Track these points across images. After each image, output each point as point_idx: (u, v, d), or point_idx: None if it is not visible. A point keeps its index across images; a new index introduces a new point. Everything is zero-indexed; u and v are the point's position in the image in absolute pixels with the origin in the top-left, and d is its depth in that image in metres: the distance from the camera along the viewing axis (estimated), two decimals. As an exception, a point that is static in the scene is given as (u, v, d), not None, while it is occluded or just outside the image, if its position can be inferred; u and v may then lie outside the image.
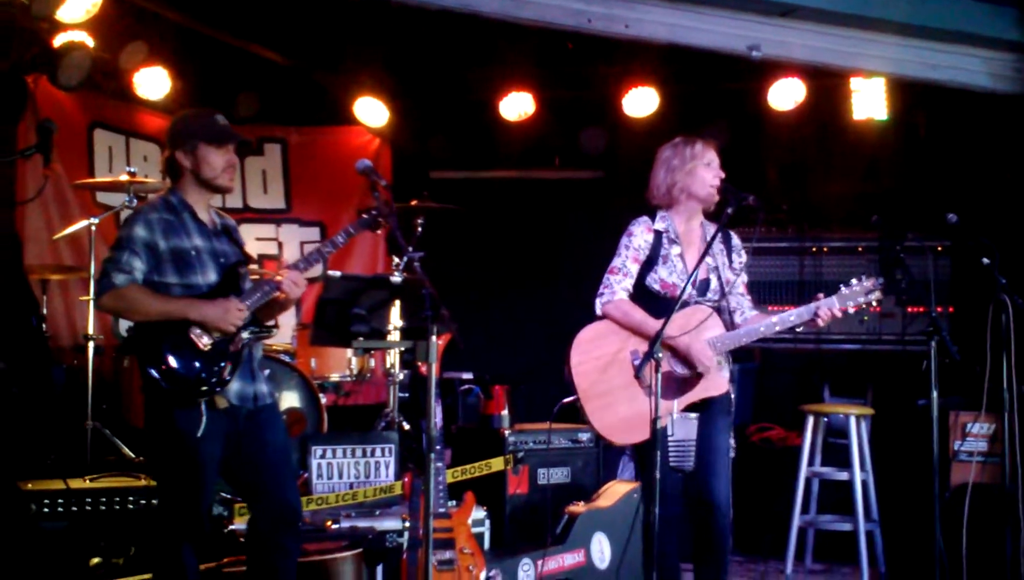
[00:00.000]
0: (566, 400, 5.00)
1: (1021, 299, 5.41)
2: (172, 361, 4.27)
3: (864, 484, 6.73)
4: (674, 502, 4.77)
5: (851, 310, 4.78)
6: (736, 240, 5.05)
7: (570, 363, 4.82)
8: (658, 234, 4.92)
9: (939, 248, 7.23)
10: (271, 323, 4.67)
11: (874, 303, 4.79)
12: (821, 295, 4.77)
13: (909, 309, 7.26)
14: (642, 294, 4.89)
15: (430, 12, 5.72)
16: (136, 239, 4.34)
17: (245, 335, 4.43)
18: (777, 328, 4.77)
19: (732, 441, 4.92)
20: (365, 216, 4.64)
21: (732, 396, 4.93)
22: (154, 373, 4.26)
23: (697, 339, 4.71)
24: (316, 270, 4.71)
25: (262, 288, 4.50)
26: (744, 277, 5.02)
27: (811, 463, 6.90)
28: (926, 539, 4.97)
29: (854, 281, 4.78)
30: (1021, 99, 6.54)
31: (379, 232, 4.79)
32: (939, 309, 7.08)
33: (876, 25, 6.26)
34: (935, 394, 4.91)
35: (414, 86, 9.08)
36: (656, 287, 4.86)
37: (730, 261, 4.99)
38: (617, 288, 4.87)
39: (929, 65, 6.47)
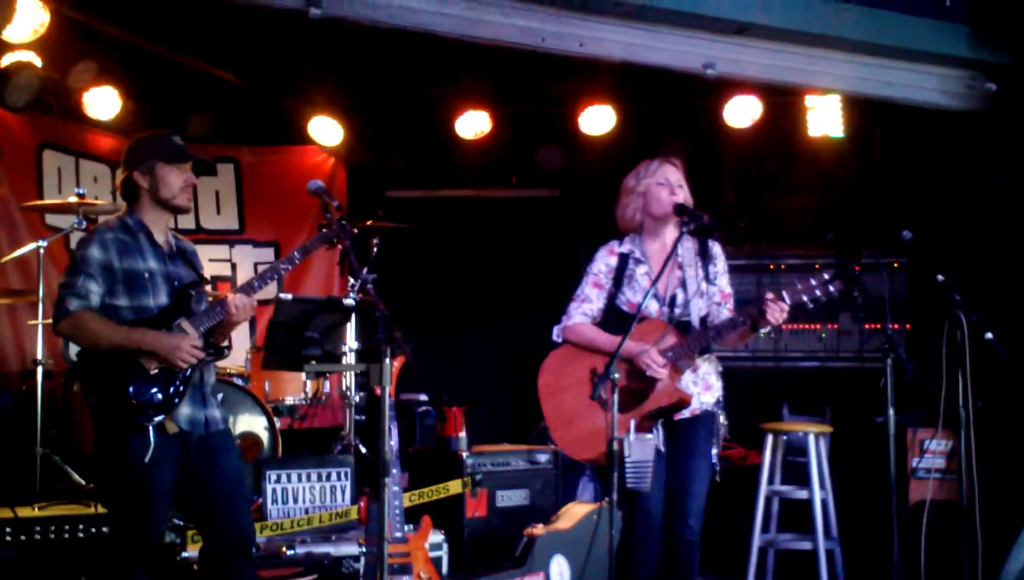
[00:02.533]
0: (544, 423, 5.05)
1: (976, 316, 5.43)
2: (120, 386, 4.21)
3: (824, 502, 6.72)
4: (653, 523, 4.75)
5: (807, 302, 4.66)
6: (716, 248, 4.98)
7: (538, 386, 4.91)
8: (623, 257, 4.95)
9: (895, 265, 7.27)
10: (224, 344, 4.60)
11: (822, 298, 4.69)
12: (770, 294, 4.67)
13: (866, 326, 7.30)
14: (613, 315, 4.92)
15: (384, 31, 5.69)
16: (91, 261, 4.29)
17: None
18: (724, 332, 4.72)
19: (716, 462, 4.91)
20: (324, 230, 4.60)
21: (720, 416, 4.91)
22: (101, 399, 4.20)
23: (638, 344, 4.68)
24: (270, 291, 4.65)
25: (212, 310, 4.44)
26: (724, 286, 4.96)
27: (771, 482, 6.89)
28: (885, 556, 4.96)
29: (807, 276, 4.70)
30: (973, 116, 6.59)
31: (337, 249, 4.73)
32: (895, 326, 7.12)
33: (830, 43, 6.29)
34: (891, 411, 4.90)
35: (369, 105, 9.03)
36: (624, 308, 4.90)
37: (706, 271, 4.93)
38: (574, 314, 4.95)
39: (883, 82, 6.51)
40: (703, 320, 4.88)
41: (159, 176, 4.42)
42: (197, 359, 4.34)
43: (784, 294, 4.66)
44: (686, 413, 4.83)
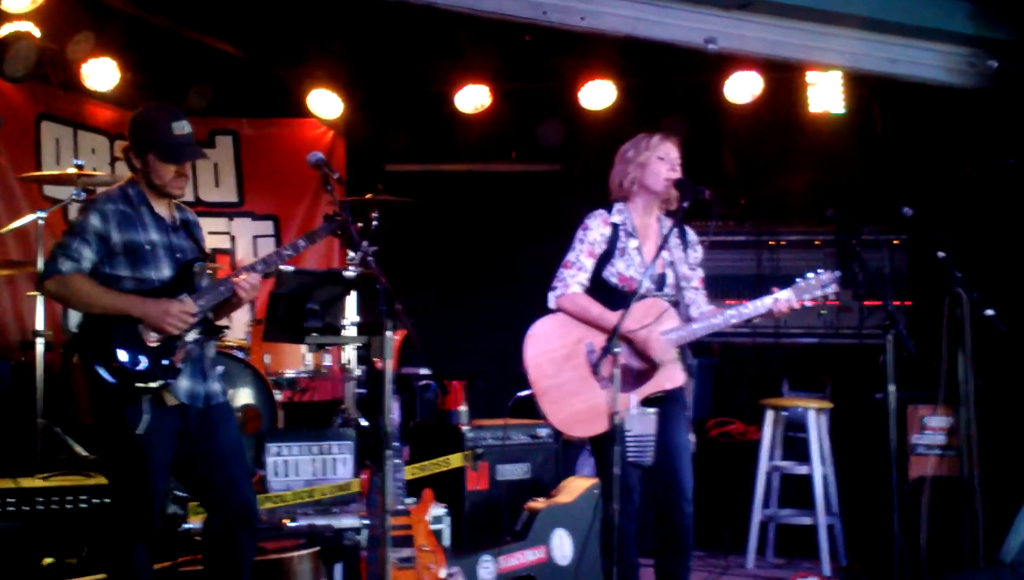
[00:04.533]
0: (521, 394, 4.98)
1: (976, 293, 5.43)
2: (120, 357, 4.21)
3: (824, 478, 6.77)
4: (634, 498, 4.75)
5: (808, 303, 4.78)
6: (692, 235, 5.03)
7: (525, 356, 4.81)
8: (615, 227, 4.90)
9: (895, 242, 7.28)
10: (222, 323, 4.60)
11: (831, 296, 4.80)
12: (776, 288, 4.75)
13: (866, 303, 7.30)
14: (599, 287, 4.86)
15: (385, 3, 5.66)
16: (89, 228, 4.27)
17: (192, 335, 4.36)
18: (733, 321, 4.77)
19: (692, 436, 4.91)
20: (329, 221, 4.61)
21: (689, 391, 4.92)
22: (100, 370, 4.20)
23: (654, 332, 4.68)
24: (273, 268, 4.65)
25: (217, 288, 4.43)
26: (700, 272, 5.01)
27: (771, 457, 6.93)
28: (886, 532, 4.98)
29: (810, 274, 4.78)
30: (976, 93, 6.58)
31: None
32: (896, 302, 7.13)
33: (833, 19, 6.27)
34: (892, 387, 4.91)
35: (369, 78, 9.00)
36: (614, 281, 4.83)
37: (686, 255, 4.96)
38: (571, 281, 4.85)
39: (886, 59, 6.49)
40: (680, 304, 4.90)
41: (152, 166, 4.40)
42: (188, 325, 4.31)
43: (792, 292, 4.71)
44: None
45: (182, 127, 4.44)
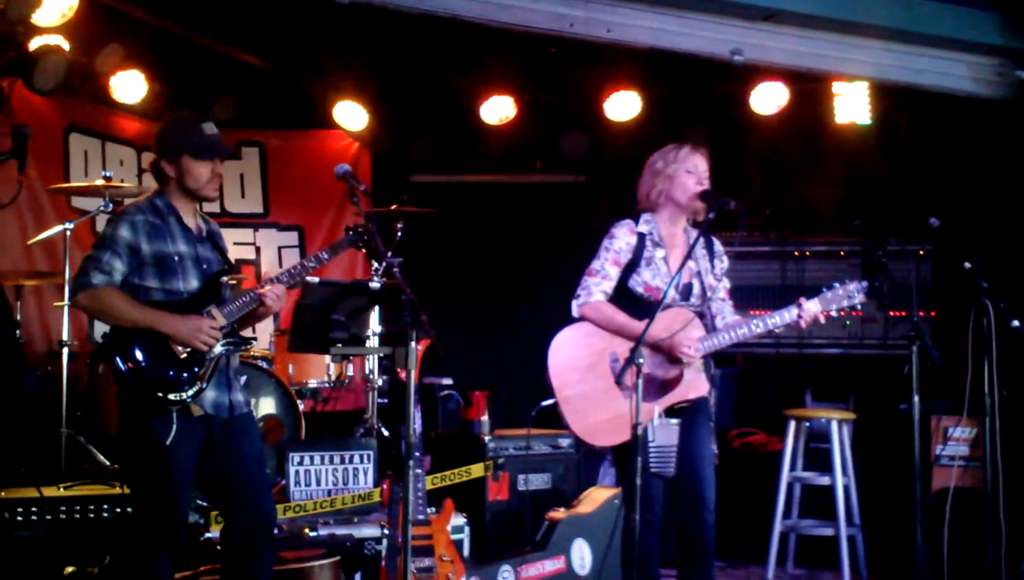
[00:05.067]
0: (544, 403, 4.98)
1: (1003, 303, 5.40)
2: (148, 366, 4.24)
3: (846, 489, 6.74)
4: (656, 508, 4.75)
5: (834, 314, 4.79)
6: (718, 245, 5.04)
7: (549, 365, 4.81)
8: (641, 237, 4.90)
9: (921, 252, 7.24)
10: (248, 334, 4.63)
11: (857, 306, 4.79)
12: (803, 299, 4.75)
13: (891, 313, 7.27)
14: (625, 297, 4.87)
15: (411, 16, 5.68)
16: (119, 240, 4.31)
17: (219, 348, 4.39)
18: (759, 331, 4.77)
19: (715, 447, 4.90)
20: (351, 233, 4.63)
21: (712, 401, 4.91)
22: (129, 379, 4.24)
23: (671, 333, 4.67)
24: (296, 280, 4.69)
25: (243, 298, 4.46)
26: (726, 282, 5.01)
27: (793, 468, 6.90)
28: (908, 543, 4.95)
29: (837, 285, 4.78)
30: (1003, 103, 6.54)
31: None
32: (921, 313, 7.09)
33: (859, 30, 6.25)
34: (916, 398, 4.89)
35: (394, 90, 9.04)
36: (639, 290, 4.83)
37: (712, 266, 4.97)
38: (594, 290, 4.85)
39: (913, 70, 6.46)
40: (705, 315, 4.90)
41: (186, 168, 4.44)
42: (216, 341, 4.35)
43: (818, 303, 4.71)
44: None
45: (211, 128, 4.52)
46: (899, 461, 5.21)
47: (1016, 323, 5.38)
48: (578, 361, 4.81)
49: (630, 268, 4.87)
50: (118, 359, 4.25)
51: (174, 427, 4.24)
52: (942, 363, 4.97)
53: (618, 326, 4.76)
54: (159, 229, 4.38)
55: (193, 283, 4.42)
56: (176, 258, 4.39)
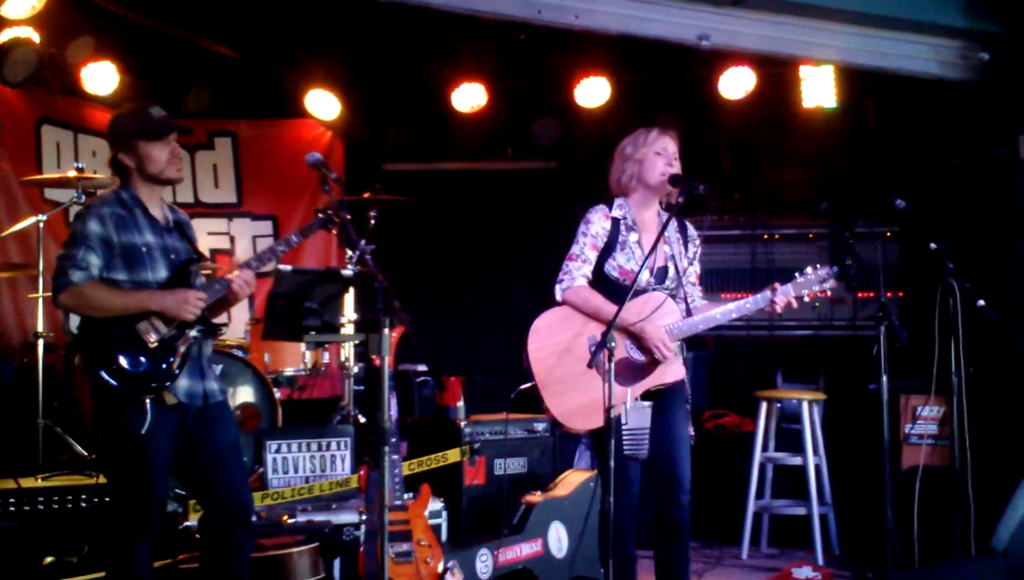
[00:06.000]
0: (523, 387, 5.01)
1: (968, 283, 5.47)
2: (121, 360, 4.26)
3: (817, 468, 6.82)
4: (634, 490, 4.80)
5: (806, 298, 4.84)
6: (692, 229, 5.07)
7: (528, 349, 4.83)
8: (615, 221, 4.92)
9: (888, 234, 7.31)
10: (220, 321, 4.64)
11: (828, 291, 4.85)
12: (777, 284, 4.81)
13: (859, 294, 7.33)
14: (601, 281, 4.88)
15: (381, 4, 5.70)
16: (91, 234, 4.30)
17: (192, 333, 4.41)
18: (733, 315, 4.81)
19: (691, 429, 4.95)
20: (321, 215, 4.64)
21: (687, 384, 4.96)
22: (102, 373, 4.25)
23: (652, 324, 4.73)
24: (268, 265, 4.70)
25: (213, 286, 4.48)
26: (697, 267, 5.05)
27: (765, 448, 6.98)
28: (878, 521, 5.01)
29: (808, 269, 4.83)
30: (967, 86, 6.61)
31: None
32: (888, 294, 7.16)
33: (825, 14, 6.30)
34: (884, 378, 4.94)
35: (366, 78, 9.04)
36: (615, 274, 4.86)
37: (686, 249, 5.01)
38: (576, 274, 4.87)
39: (878, 53, 6.52)
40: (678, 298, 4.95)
41: (143, 153, 4.44)
42: (201, 310, 4.37)
43: (791, 288, 4.77)
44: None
45: (158, 111, 4.52)
46: (869, 440, 5.28)
47: (982, 302, 5.44)
48: (556, 345, 4.82)
49: (605, 252, 4.89)
50: (103, 372, 4.25)
51: (148, 417, 4.25)
52: (910, 343, 5.03)
53: (594, 309, 4.78)
54: (126, 221, 4.38)
55: (162, 273, 4.42)
56: (144, 249, 4.39)
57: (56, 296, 4.32)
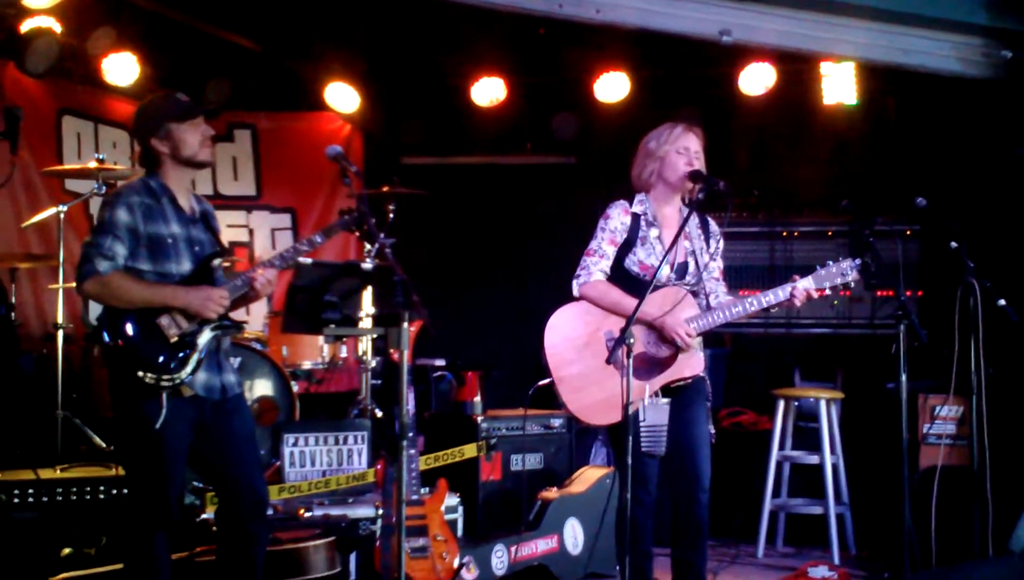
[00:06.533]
0: (541, 383, 5.00)
1: (989, 282, 5.45)
2: (139, 350, 4.26)
3: (834, 467, 6.80)
4: (651, 487, 4.79)
5: (828, 291, 4.80)
6: (713, 225, 5.06)
7: (544, 345, 4.82)
8: (636, 217, 4.92)
9: (908, 232, 7.28)
10: (240, 318, 4.65)
11: (851, 284, 4.82)
12: (797, 277, 4.78)
13: (878, 293, 7.31)
14: (621, 276, 4.87)
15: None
16: (119, 223, 4.29)
17: (210, 332, 4.42)
18: (753, 309, 4.78)
19: (711, 427, 4.94)
20: (345, 217, 4.64)
21: (708, 382, 4.95)
22: (120, 363, 4.25)
23: (673, 316, 4.71)
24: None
25: (234, 281, 4.48)
26: (720, 262, 5.03)
27: (782, 447, 6.96)
28: (896, 521, 5.00)
29: (830, 262, 4.80)
30: (989, 83, 6.58)
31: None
32: (908, 293, 7.14)
33: (846, 10, 6.28)
34: (904, 377, 4.93)
35: (385, 72, 9.04)
36: (635, 269, 4.85)
37: (708, 245, 4.99)
38: (594, 269, 4.86)
39: (899, 50, 6.49)
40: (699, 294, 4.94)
41: (177, 137, 4.43)
42: (224, 309, 4.38)
43: (812, 280, 4.75)
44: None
45: (182, 96, 4.53)
46: (887, 439, 5.26)
47: (1002, 302, 5.42)
48: (574, 340, 4.81)
49: (625, 248, 4.89)
50: (105, 334, 4.25)
51: (164, 410, 4.24)
52: (929, 342, 5.01)
53: (612, 303, 4.77)
54: (153, 210, 4.37)
55: (186, 265, 4.42)
56: (170, 240, 4.38)
57: (80, 284, 4.31)
